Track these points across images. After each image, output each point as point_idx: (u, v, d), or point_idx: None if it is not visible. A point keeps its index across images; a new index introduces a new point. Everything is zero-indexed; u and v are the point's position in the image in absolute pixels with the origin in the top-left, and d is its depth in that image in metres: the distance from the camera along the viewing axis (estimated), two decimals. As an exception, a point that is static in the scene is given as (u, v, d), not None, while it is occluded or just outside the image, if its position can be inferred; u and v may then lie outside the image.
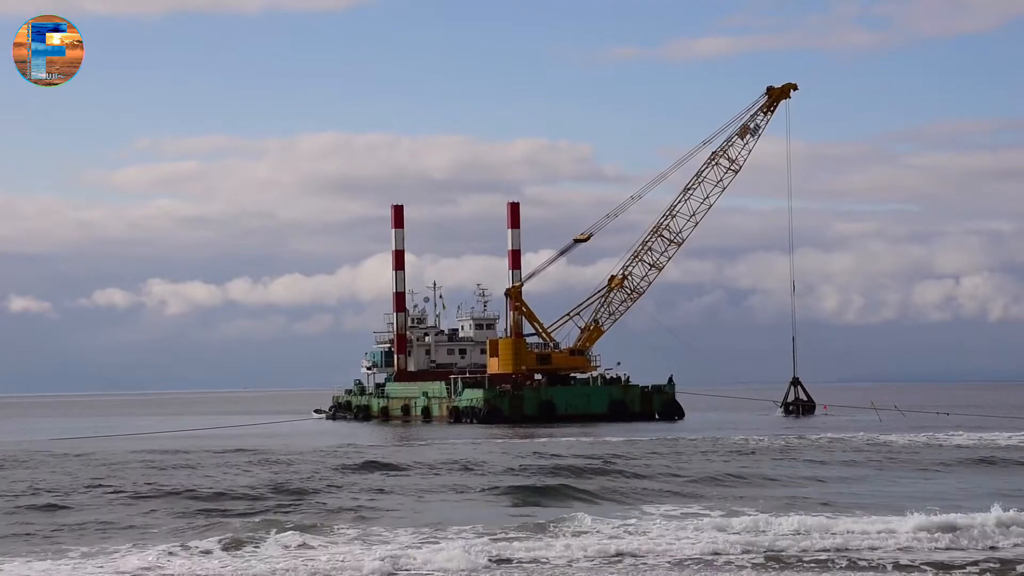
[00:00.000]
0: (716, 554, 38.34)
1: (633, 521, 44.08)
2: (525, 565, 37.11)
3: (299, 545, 40.12)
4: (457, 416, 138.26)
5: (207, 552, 39.17)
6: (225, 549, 39.67)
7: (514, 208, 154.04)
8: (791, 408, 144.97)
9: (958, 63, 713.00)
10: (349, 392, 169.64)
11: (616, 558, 37.92)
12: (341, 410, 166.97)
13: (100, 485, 59.75)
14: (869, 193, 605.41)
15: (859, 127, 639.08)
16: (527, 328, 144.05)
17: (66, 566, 37.19)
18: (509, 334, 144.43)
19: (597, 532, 41.99)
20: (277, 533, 41.68)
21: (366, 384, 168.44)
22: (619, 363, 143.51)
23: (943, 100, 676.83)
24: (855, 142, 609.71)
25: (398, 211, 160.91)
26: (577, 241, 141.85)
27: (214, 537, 41.39)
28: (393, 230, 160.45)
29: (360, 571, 36.37)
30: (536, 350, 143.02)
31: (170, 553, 38.86)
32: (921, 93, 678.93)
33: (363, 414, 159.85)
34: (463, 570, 36.47)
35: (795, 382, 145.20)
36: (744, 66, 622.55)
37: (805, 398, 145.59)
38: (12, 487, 59.37)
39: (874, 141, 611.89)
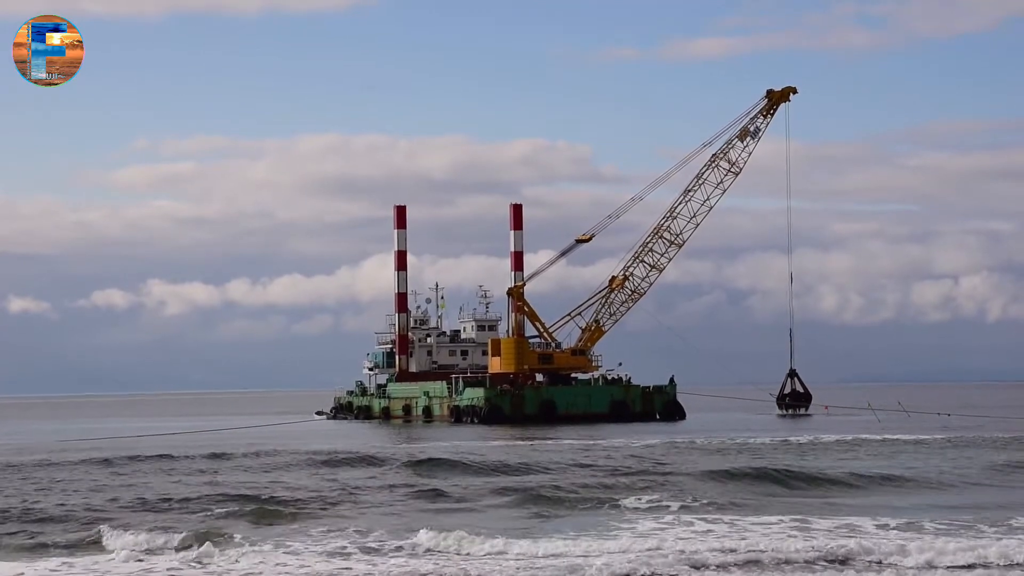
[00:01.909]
0: None
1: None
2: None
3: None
4: (458, 415, 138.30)
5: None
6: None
7: (516, 210, 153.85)
8: (787, 400, 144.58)
9: (956, 63, 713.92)
10: (351, 393, 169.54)
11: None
12: (342, 411, 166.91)
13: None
14: (868, 193, 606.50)
15: (857, 127, 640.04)
16: (528, 329, 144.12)
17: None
18: (511, 334, 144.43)
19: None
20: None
21: (368, 385, 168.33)
22: (620, 363, 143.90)
23: (941, 100, 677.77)
24: (853, 142, 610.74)
25: (401, 212, 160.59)
26: (579, 242, 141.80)
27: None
28: (395, 231, 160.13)
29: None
30: (538, 350, 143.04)
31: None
32: (919, 93, 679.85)
33: (364, 414, 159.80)
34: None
35: (792, 374, 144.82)
36: (743, 66, 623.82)
37: (802, 390, 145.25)
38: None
39: (872, 141, 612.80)
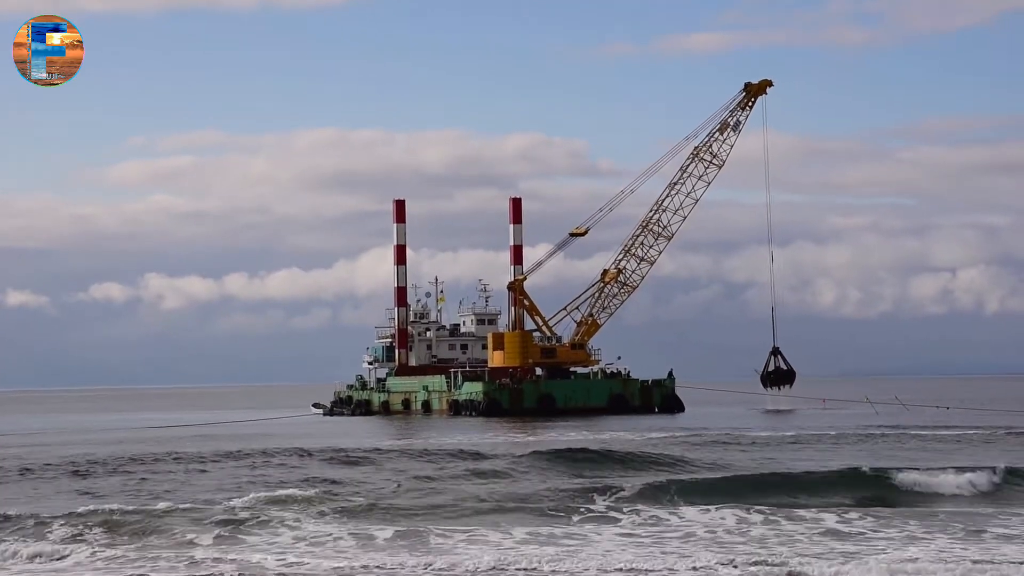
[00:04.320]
0: None
1: None
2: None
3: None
4: (456, 409, 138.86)
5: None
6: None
7: (516, 204, 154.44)
8: (771, 377, 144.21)
9: (952, 58, 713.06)
10: (351, 387, 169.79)
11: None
12: (340, 405, 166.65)
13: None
14: (864, 187, 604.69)
15: (854, 122, 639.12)
16: (528, 323, 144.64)
17: None
18: (511, 328, 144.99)
19: None
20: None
21: (367, 379, 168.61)
22: (619, 357, 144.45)
23: (937, 95, 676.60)
24: (850, 137, 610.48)
25: (400, 206, 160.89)
26: (573, 235, 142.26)
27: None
28: (395, 225, 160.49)
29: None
30: (541, 343, 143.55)
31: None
32: (915, 88, 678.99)
33: (364, 408, 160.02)
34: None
35: (775, 352, 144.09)
36: (738, 62, 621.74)
37: (785, 367, 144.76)
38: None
39: (869, 136, 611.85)
